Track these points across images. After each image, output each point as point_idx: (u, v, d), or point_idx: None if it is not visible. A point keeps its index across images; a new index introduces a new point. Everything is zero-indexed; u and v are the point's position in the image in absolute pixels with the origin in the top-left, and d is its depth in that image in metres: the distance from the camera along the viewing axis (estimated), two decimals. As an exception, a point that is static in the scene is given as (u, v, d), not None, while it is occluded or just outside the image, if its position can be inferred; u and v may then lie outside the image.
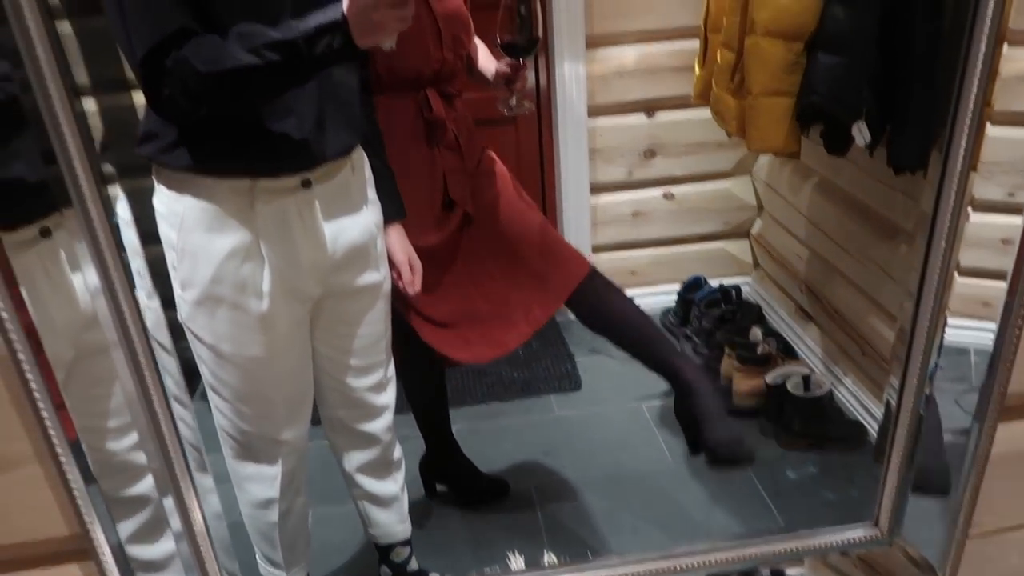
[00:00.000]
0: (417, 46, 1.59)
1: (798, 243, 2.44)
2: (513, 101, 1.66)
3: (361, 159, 1.41)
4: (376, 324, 1.48)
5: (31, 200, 1.09)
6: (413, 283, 1.55)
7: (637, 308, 1.81)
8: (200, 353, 1.35)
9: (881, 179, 1.87)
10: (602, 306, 1.77)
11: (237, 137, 1.22)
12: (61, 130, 0.63)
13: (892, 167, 1.67)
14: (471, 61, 1.75)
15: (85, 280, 1.15)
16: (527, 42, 1.57)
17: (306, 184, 1.28)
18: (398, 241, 1.53)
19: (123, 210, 1.23)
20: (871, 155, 1.73)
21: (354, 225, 1.37)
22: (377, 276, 1.45)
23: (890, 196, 1.88)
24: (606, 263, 2.78)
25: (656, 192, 2.73)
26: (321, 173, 1.30)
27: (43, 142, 1.04)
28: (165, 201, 1.26)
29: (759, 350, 2.27)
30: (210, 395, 1.40)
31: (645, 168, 2.68)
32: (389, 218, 1.51)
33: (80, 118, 0.71)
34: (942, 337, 1.00)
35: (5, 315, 0.59)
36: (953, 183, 0.92)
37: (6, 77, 0.94)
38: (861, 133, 1.67)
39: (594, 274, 1.75)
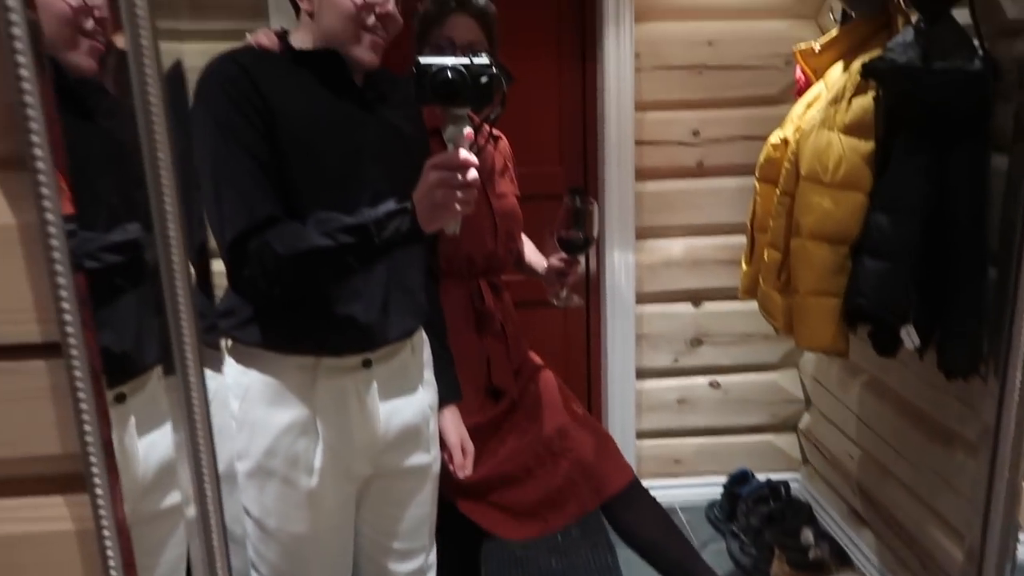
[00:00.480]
0: (474, 237, 1.68)
1: (849, 441, 2.38)
2: (564, 294, 1.73)
3: (421, 341, 1.46)
4: (423, 506, 1.47)
5: (112, 369, 1.15)
6: (464, 466, 1.55)
7: (676, 532, 1.79)
8: (245, 527, 1.34)
9: (934, 382, 1.85)
10: (639, 526, 1.75)
11: (306, 317, 1.28)
12: (178, 299, 0.67)
13: (943, 372, 1.67)
14: (519, 255, 1.85)
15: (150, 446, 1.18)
16: (583, 241, 1.65)
17: (367, 364, 1.33)
18: (452, 423, 1.55)
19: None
20: (921, 358, 1.73)
21: (409, 406, 1.40)
22: (427, 458, 1.45)
23: (944, 401, 1.85)
24: (650, 450, 2.74)
25: (702, 380, 2.73)
26: (382, 354, 1.34)
27: (138, 313, 1.12)
28: (233, 373, 1.31)
29: (811, 555, 2.17)
30: (251, 571, 1.38)
31: (691, 356, 2.69)
32: (445, 400, 1.53)
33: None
34: (1015, 559, 0.96)
35: (98, 481, 0.61)
36: (1014, 395, 0.92)
37: (124, 245, 1.03)
38: (910, 336, 1.67)
39: (635, 485, 1.75)
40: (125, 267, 1.06)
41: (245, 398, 1.30)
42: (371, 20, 1.24)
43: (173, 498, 1.24)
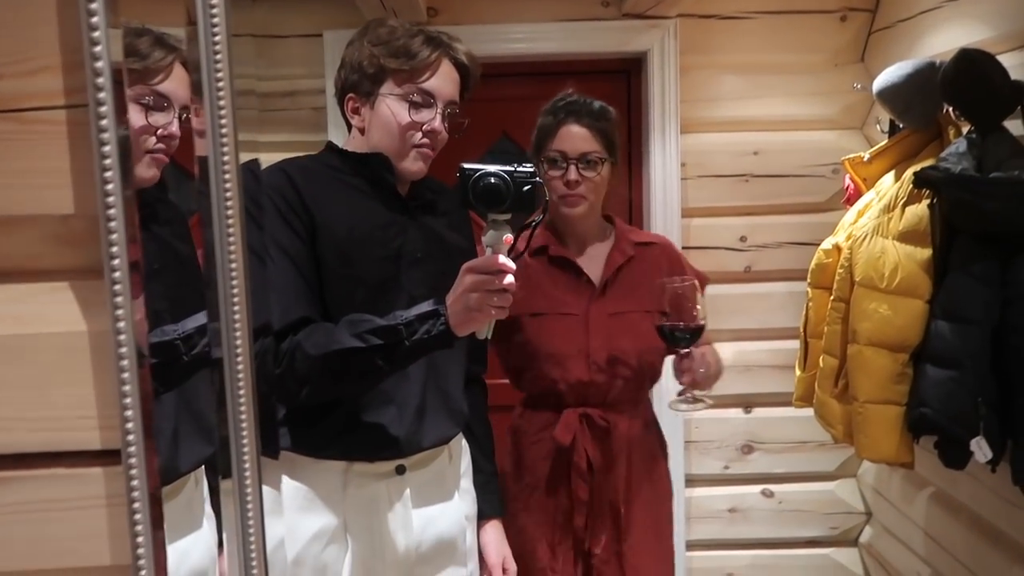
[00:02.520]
0: (559, 362, 1.54)
1: (917, 559, 2.24)
2: (685, 398, 1.44)
3: (459, 447, 1.43)
4: (457, 625, 1.40)
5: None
6: None
7: None
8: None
9: (1009, 497, 1.75)
10: None
11: (338, 420, 1.27)
12: (239, 395, 0.66)
13: (1019, 486, 1.58)
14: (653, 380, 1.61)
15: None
16: (691, 330, 1.42)
17: (400, 470, 1.30)
18: (494, 540, 1.48)
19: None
20: (993, 471, 1.65)
21: (444, 515, 1.36)
22: (463, 572, 1.40)
23: (1020, 518, 1.75)
24: (701, 563, 2.61)
25: (754, 489, 2.63)
26: (417, 460, 1.32)
27: (176, 416, 1.12)
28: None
29: None
30: None
31: (743, 464, 2.60)
32: (488, 515, 1.48)
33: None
34: None
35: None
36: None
37: (163, 347, 1.04)
38: (980, 449, 1.60)
39: None
40: (164, 369, 1.07)
41: (274, 503, 1.28)
42: (418, 137, 1.29)
43: None
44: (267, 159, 1.37)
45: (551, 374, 1.54)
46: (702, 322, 1.42)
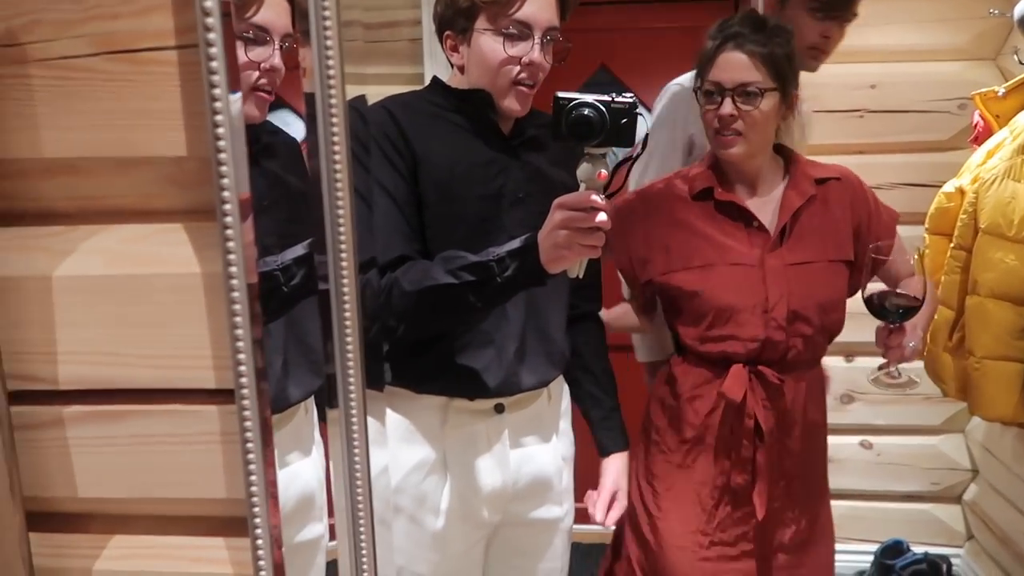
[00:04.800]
0: (732, 316, 1.38)
1: (1025, 520, 2.15)
2: (888, 371, 1.32)
3: (559, 389, 1.42)
4: (553, 561, 1.42)
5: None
6: (602, 512, 1.39)
7: None
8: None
9: None
10: None
11: (439, 358, 1.27)
12: (345, 329, 0.66)
13: None
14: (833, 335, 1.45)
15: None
16: (909, 306, 1.27)
17: (499, 409, 1.31)
18: (614, 470, 1.42)
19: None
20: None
21: (541, 454, 1.36)
22: (558, 511, 1.40)
23: None
24: (792, 510, 2.57)
25: (852, 440, 2.55)
26: (515, 400, 1.32)
27: (284, 346, 1.15)
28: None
29: (979, 643, 1.95)
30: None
31: (841, 414, 2.52)
32: (610, 450, 1.44)
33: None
34: None
35: (260, 527, 0.62)
36: None
37: (266, 276, 1.06)
38: (1111, 412, 1.49)
39: None
40: (263, 299, 1.09)
41: (378, 432, 1.31)
42: (517, 72, 1.24)
43: (309, 532, 1.25)
44: (367, 91, 1.36)
45: (723, 331, 1.39)
46: (921, 298, 1.26)
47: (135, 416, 0.68)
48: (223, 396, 0.66)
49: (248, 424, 0.60)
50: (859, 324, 2.47)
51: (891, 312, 1.28)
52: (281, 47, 1.06)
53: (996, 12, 2.06)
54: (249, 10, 0.96)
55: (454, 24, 1.27)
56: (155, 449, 0.67)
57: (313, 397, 1.30)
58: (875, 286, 1.30)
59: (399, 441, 1.30)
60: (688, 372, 1.45)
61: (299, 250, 1.07)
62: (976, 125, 1.94)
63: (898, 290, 1.29)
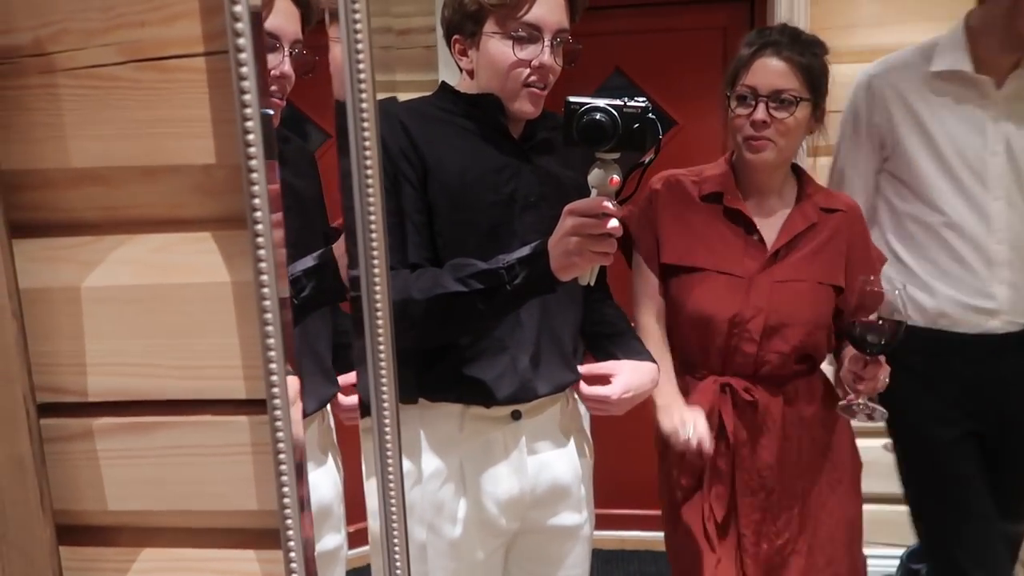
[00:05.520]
0: (712, 329, 1.41)
1: (1055, 523, 2.10)
2: (859, 403, 1.34)
3: (576, 396, 1.41)
4: (574, 568, 1.40)
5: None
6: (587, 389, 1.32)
7: None
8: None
9: None
10: None
11: (451, 367, 1.26)
12: (378, 339, 0.65)
13: None
14: (815, 357, 1.46)
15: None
16: (888, 337, 1.27)
17: (516, 416, 1.29)
18: (626, 364, 1.32)
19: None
20: None
21: (559, 461, 1.35)
22: (578, 518, 1.39)
23: None
24: (815, 514, 2.54)
25: (876, 443, 2.51)
26: (532, 406, 1.30)
27: (299, 355, 1.15)
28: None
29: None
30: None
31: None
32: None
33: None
34: None
35: (292, 539, 0.61)
36: None
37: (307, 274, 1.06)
38: None
39: None
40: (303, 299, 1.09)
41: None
42: (527, 75, 1.23)
43: (327, 543, 1.25)
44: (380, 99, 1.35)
45: (692, 336, 1.43)
46: (903, 329, 1.27)
47: (165, 428, 0.67)
48: (254, 407, 0.65)
49: (280, 435, 0.59)
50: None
51: (872, 344, 1.28)
52: (291, 53, 1.05)
53: (1017, 8, 2.03)
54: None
55: (462, 28, 1.26)
56: (185, 461, 0.67)
57: (330, 406, 1.30)
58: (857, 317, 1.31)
59: (415, 451, 1.29)
60: (679, 377, 1.47)
61: (308, 261, 1.07)
62: None
63: (880, 321, 1.28)
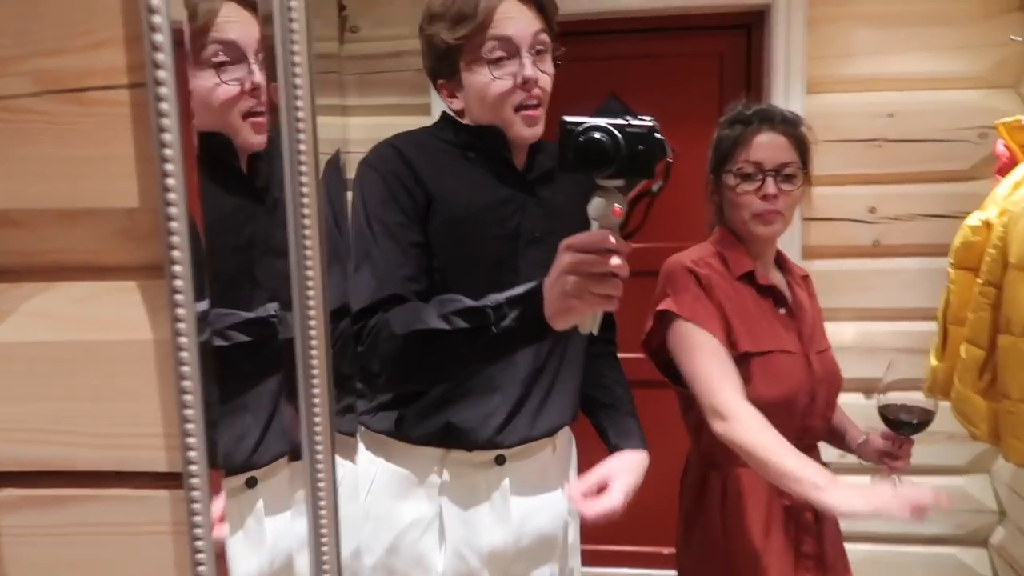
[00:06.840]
0: (789, 408, 1.35)
1: (1060, 570, 2.03)
2: (896, 481, 1.36)
3: (566, 440, 1.34)
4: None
5: (244, 455, 1.11)
6: (598, 506, 1.21)
7: None
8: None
9: None
10: None
11: (435, 406, 1.19)
12: (311, 381, 0.58)
13: None
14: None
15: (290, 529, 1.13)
16: (921, 418, 1.30)
17: (500, 461, 1.22)
18: (619, 461, 1.26)
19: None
20: None
21: (545, 509, 1.28)
22: (563, 569, 1.32)
23: None
24: (811, 554, 2.46)
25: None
26: (518, 451, 1.23)
27: (274, 398, 1.08)
28: (363, 461, 1.25)
29: None
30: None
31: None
32: (618, 448, 1.30)
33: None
34: None
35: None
36: None
37: (256, 323, 0.98)
38: None
39: None
40: (260, 348, 1.01)
41: (372, 488, 1.23)
42: (517, 100, 1.17)
43: None
44: (372, 123, 1.29)
45: (776, 419, 1.28)
46: (934, 409, 1.31)
47: (76, 502, 0.60)
48: (176, 480, 0.58)
49: (198, 519, 0.52)
50: (880, 360, 2.38)
51: (906, 425, 1.30)
52: (257, 60, 0.97)
53: (1018, 39, 1.99)
54: (211, 28, 0.89)
55: (441, 71, 1.21)
56: (98, 540, 0.59)
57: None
58: (891, 396, 1.33)
59: (394, 496, 1.22)
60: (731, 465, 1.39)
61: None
62: (1000, 155, 1.86)
63: (910, 402, 1.31)
